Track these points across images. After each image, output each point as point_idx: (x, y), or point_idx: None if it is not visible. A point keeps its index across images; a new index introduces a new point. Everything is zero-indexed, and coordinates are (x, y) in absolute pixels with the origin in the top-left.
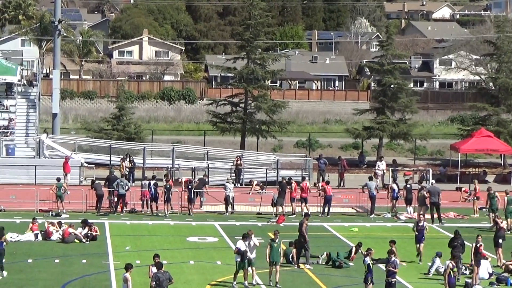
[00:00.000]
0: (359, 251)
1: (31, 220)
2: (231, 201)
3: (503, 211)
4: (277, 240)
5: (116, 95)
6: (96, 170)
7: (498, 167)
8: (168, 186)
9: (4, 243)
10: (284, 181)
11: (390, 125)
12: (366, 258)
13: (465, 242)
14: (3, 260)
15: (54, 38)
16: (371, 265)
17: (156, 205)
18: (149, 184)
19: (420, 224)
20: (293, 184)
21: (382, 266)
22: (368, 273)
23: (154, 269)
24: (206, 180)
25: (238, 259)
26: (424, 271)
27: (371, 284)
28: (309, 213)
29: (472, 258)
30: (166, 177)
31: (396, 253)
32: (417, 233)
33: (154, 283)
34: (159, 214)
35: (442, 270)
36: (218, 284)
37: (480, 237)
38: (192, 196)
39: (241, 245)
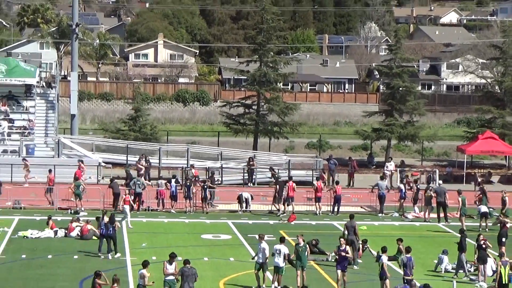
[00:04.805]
0: (366, 248)
1: (50, 218)
2: (244, 200)
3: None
4: (301, 244)
5: (132, 96)
6: (113, 169)
7: (503, 168)
8: (188, 184)
9: (116, 228)
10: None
11: (398, 127)
12: (382, 256)
13: (470, 241)
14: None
15: (71, 41)
16: (385, 263)
17: (175, 203)
18: (170, 182)
19: (341, 248)
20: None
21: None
22: (382, 269)
23: (168, 265)
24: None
25: (282, 265)
26: (430, 268)
27: (387, 280)
28: (318, 212)
29: (476, 257)
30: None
31: (404, 251)
32: (337, 257)
33: (179, 276)
34: (174, 211)
35: (450, 268)
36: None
37: (481, 235)
38: (206, 195)
39: (284, 249)
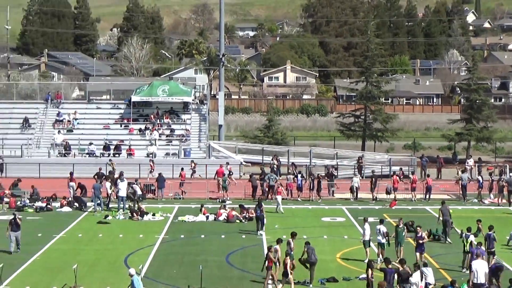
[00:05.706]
0: (452, 227)
1: (203, 206)
2: (355, 190)
3: None
4: (400, 226)
5: (267, 110)
6: (251, 167)
7: None
8: (312, 178)
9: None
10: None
11: (476, 131)
12: (471, 236)
13: None
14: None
15: (219, 67)
16: (473, 241)
17: (301, 193)
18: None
19: (418, 235)
20: (394, 177)
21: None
22: (470, 246)
23: (291, 242)
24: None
25: (383, 241)
26: (503, 243)
27: (470, 254)
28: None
29: None
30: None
31: (482, 229)
32: (416, 243)
33: (305, 249)
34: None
35: None
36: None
37: None
38: (320, 187)
39: (384, 228)
